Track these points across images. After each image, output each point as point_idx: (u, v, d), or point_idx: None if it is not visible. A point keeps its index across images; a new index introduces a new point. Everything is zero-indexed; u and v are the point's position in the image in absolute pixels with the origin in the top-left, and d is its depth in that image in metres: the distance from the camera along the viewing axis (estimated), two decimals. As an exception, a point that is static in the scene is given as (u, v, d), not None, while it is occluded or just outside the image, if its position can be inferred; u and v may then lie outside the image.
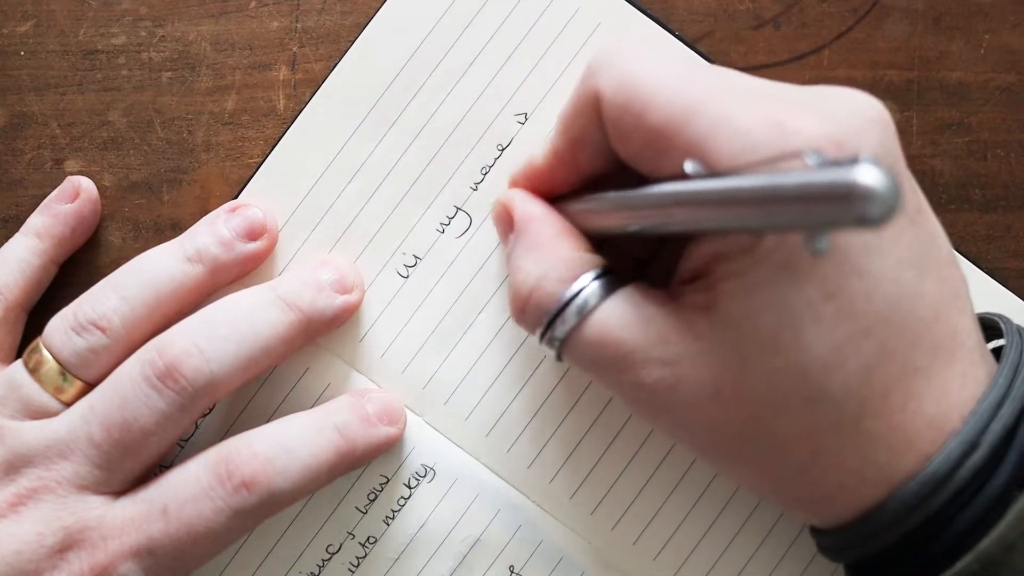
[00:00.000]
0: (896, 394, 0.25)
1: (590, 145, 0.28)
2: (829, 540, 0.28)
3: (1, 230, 0.35)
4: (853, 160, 0.19)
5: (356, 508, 0.34)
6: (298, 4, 0.35)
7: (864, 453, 0.25)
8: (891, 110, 0.35)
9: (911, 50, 0.35)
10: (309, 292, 0.32)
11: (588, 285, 0.27)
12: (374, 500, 0.34)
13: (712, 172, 0.24)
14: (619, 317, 0.27)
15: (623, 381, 0.27)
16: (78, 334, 0.31)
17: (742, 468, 0.27)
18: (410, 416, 0.34)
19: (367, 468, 0.34)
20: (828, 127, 0.24)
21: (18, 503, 0.30)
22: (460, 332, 0.35)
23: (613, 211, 0.28)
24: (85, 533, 0.29)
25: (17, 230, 0.34)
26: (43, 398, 0.31)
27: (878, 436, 0.25)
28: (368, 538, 0.34)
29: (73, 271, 0.35)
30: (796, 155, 0.22)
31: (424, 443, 0.34)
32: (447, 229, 0.35)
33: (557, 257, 0.28)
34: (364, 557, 0.34)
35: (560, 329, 0.28)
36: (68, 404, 0.31)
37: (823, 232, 0.20)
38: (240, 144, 0.35)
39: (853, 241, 0.24)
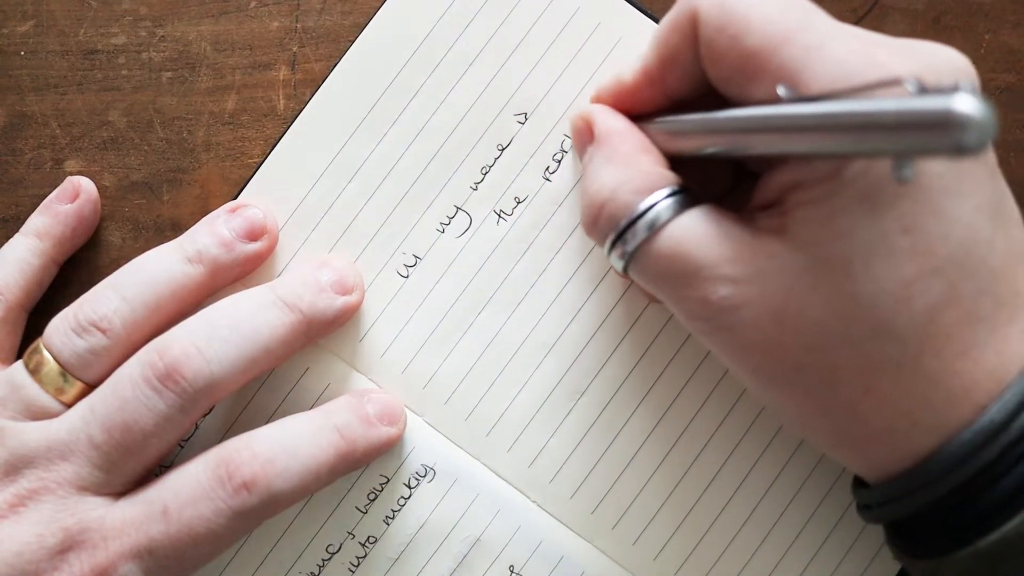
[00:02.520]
0: (958, 338, 0.25)
1: (681, 65, 0.28)
2: (876, 494, 0.27)
3: (1, 230, 0.35)
4: (952, 88, 0.19)
5: (356, 508, 0.34)
6: (298, 4, 0.35)
7: (919, 395, 0.25)
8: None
9: (911, 50, 0.35)
10: (309, 293, 0.32)
11: (663, 199, 0.27)
12: (374, 500, 0.34)
13: (805, 96, 0.24)
14: (692, 233, 0.27)
15: (688, 297, 0.27)
16: (78, 335, 0.31)
17: (792, 399, 0.27)
18: (410, 416, 0.34)
19: (367, 468, 0.34)
20: (917, 66, 0.24)
21: (18, 504, 0.30)
22: (460, 332, 0.35)
23: (698, 132, 0.28)
24: (85, 534, 0.29)
25: (17, 230, 0.34)
26: (43, 399, 0.31)
27: (936, 379, 0.25)
28: (368, 538, 0.34)
29: (73, 271, 0.35)
30: (895, 82, 0.22)
31: (424, 443, 0.34)
32: (447, 229, 0.35)
33: (635, 169, 0.28)
34: (364, 557, 0.34)
35: (631, 241, 0.28)
36: (69, 405, 0.31)
37: (912, 159, 0.21)
38: (240, 144, 0.35)
39: (934, 181, 0.24)
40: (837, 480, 0.34)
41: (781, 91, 0.25)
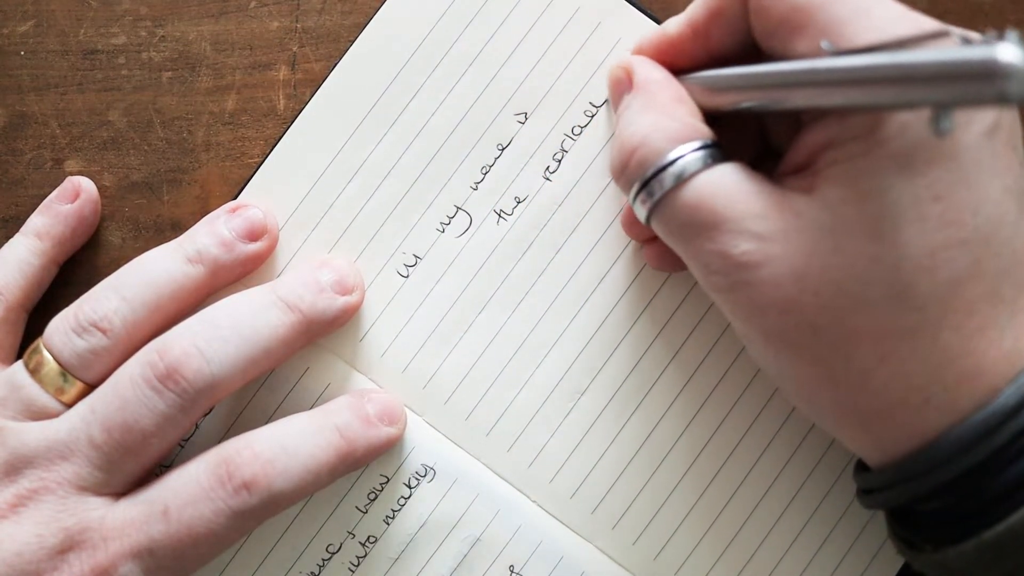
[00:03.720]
0: (979, 315, 0.25)
1: (727, 19, 0.29)
2: (880, 477, 0.27)
3: (1, 230, 0.35)
4: (998, 36, 0.20)
5: (356, 508, 0.34)
6: (298, 4, 0.35)
7: (933, 369, 0.25)
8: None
9: (911, 50, 0.35)
10: (309, 293, 0.32)
11: (695, 151, 0.27)
12: (374, 500, 0.34)
13: (848, 49, 0.24)
14: (719, 186, 0.27)
15: (709, 250, 0.27)
16: (79, 335, 0.31)
17: (802, 365, 0.26)
18: (410, 416, 0.34)
19: (367, 468, 0.34)
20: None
21: (18, 504, 0.30)
22: (460, 332, 0.35)
23: (738, 86, 0.28)
24: (85, 534, 0.29)
25: (17, 230, 0.34)
26: (44, 399, 0.31)
27: (952, 354, 0.25)
28: (368, 538, 0.34)
29: (73, 271, 0.35)
30: (940, 34, 0.22)
31: (424, 443, 0.34)
32: (447, 229, 0.35)
33: (671, 118, 0.29)
34: (364, 557, 0.34)
35: (658, 188, 0.28)
36: (69, 405, 0.31)
37: (952, 111, 0.21)
38: (240, 144, 0.35)
39: (968, 154, 0.25)
40: (837, 481, 0.34)
41: (825, 44, 0.25)
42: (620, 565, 0.34)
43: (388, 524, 0.34)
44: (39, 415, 0.31)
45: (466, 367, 0.35)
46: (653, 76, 0.30)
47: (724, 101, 0.29)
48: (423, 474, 0.34)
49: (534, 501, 0.34)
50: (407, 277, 0.35)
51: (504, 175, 0.35)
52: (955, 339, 0.25)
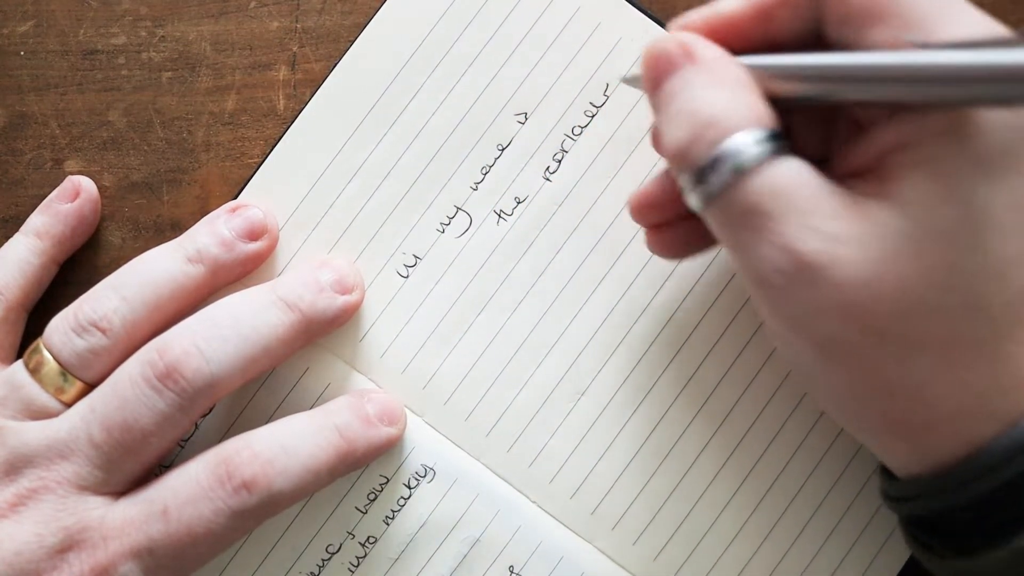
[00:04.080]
0: None
1: (798, 1, 0.27)
2: (917, 485, 0.26)
3: (1, 230, 0.35)
4: None
5: (356, 508, 0.34)
6: (298, 4, 0.35)
7: (996, 378, 0.24)
8: (891, 110, 0.35)
9: (911, 50, 0.35)
10: (309, 293, 0.32)
11: (768, 138, 0.25)
12: (374, 500, 0.34)
13: (940, 43, 0.23)
14: (795, 176, 0.25)
15: (772, 242, 0.25)
16: (78, 335, 0.31)
17: (856, 373, 0.25)
18: (410, 416, 0.34)
19: (367, 468, 0.34)
20: None
21: (18, 503, 0.30)
22: (460, 332, 0.35)
23: (812, 76, 0.26)
24: (85, 534, 0.29)
25: (17, 230, 0.34)
26: (43, 399, 0.31)
27: (1012, 366, 0.24)
28: (368, 538, 0.34)
29: (73, 271, 0.35)
30: None
31: (424, 443, 0.34)
32: (447, 229, 0.35)
33: (744, 98, 0.26)
34: (364, 557, 0.34)
35: (728, 171, 0.25)
36: (68, 405, 0.31)
37: None
38: (240, 144, 0.35)
39: None
40: (837, 481, 0.34)
41: (911, 37, 0.24)
42: (620, 565, 0.34)
43: (388, 524, 0.34)
44: (39, 415, 0.31)
45: (466, 367, 0.34)
46: (717, 53, 0.27)
47: (783, 89, 0.27)
48: (423, 474, 0.34)
49: (534, 502, 0.34)
50: (407, 277, 0.35)
51: (504, 175, 0.35)
52: (1018, 350, 0.24)
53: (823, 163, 0.26)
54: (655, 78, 0.28)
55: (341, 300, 0.33)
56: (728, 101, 0.26)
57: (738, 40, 0.28)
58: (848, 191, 0.25)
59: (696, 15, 0.28)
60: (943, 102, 0.24)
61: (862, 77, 0.25)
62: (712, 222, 0.27)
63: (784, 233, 0.24)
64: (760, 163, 0.25)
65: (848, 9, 0.26)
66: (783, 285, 0.25)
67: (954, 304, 0.24)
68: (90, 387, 0.31)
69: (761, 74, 0.27)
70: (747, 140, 0.25)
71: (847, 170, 0.26)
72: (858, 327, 0.24)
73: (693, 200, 0.26)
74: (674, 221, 0.30)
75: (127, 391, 0.30)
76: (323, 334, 0.33)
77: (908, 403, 0.25)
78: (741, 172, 0.25)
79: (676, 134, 0.26)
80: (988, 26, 0.24)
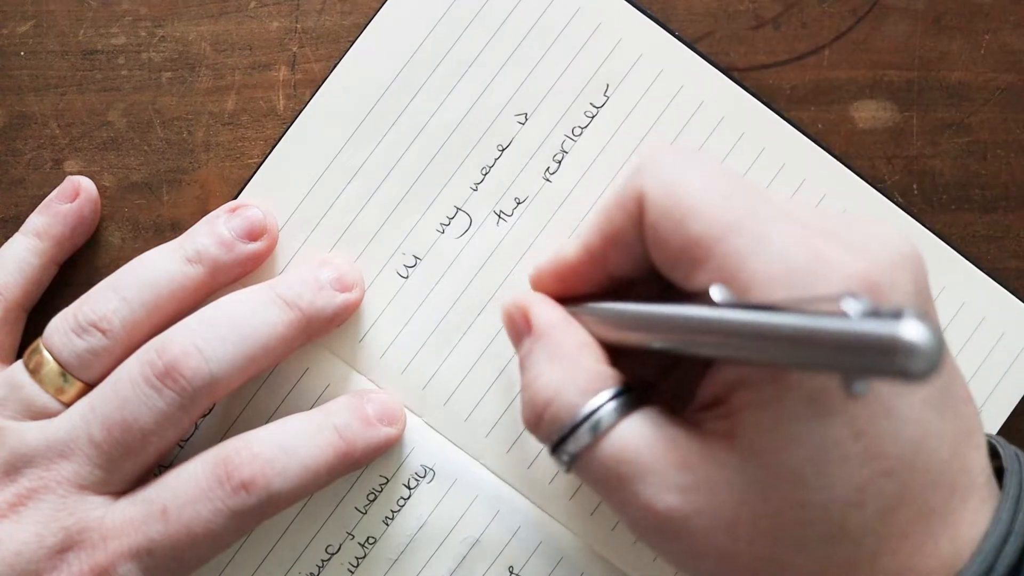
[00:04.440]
0: (913, 535, 0.25)
1: (624, 245, 0.28)
2: None
3: (1, 230, 0.35)
4: (897, 313, 0.19)
5: (356, 508, 0.34)
6: (298, 4, 0.35)
7: None
8: (891, 110, 0.35)
9: (911, 50, 0.35)
10: (309, 291, 0.32)
11: (607, 402, 0.26)
12: (374, 500, 0.34)
13: (745, 303, 0.23)
14: (638, 438, 0.26)
15: (634, 503, 0.26)
16: (78, 335, 0.31)
17: None
18: (410, 416, 0.34)
19: (367, 468, 0.34)
20: (864, 262, 0.24)
21: (18, 503, 0.30)
22: (460, 332, 0.35)
23: (634, 324, 0.27)
24: (85, 534, 0.29)
25: (17, 230, 0.34)
26: (43, 399, 0.31)
27: (894, 574, 0.25)
28: (368, 538, 0.34)
29: (73, 271, 0.35)
30: (834, 298, 0.21)
31: (424, 443, 0.34)
32: (447, 229, 0.35)
33: (579, 368, 0.27)
34: (364, 557, 0.34)
35: (574, 444, 0.27)
36: (68, 405, 0.31)
37: (862, 378, 0.20)
38: (240, 144, 0.35)
39: (883, 382, 0.24)
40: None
41: (717, 295, 0.24)
42: (620, 565, 0.34)
43: (387, 525, 0.34)
44: (39, 415, 0.31)
45: (466, 368, 0.34)
46: (553, 319, 0.29)
47: (625, 338, 0.27)
48: (422, 475, 0.34)
49: (534, 501, 0.34)
50: (407, 278, 0.35)
51: (504, 176, 0.35)
52: (893, 563, 0.25)
53: None
54: (512, 342, 0.31)
55: (341, 298, 0.33)
56: (566, 374, 0.27)
57: (583, 283, 0.30)
58: (697, 432, 0.26)
59: (544, 262, 0.30)
60: (746, 361, 0.24)
61: (670, 331, 0.25)
62: (582, 482, 0.28)
63: (639, 493, 0.25)
64: (605, 429, 0.26)
65: (667, 256, 0.26)
66: (656, 540, 0.26)
67: (813, 537, 0.24)
68: (90, 387, 0.31)
69: (602, 321, 0.28)
70: (590, 409, 0.26)
71: (703, 399, 0.26)
72: (730, 568, 0.25)
73: (560, 467, 0.28)
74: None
75: (127, 391, 0.30)
76: (323, 332, 0.33)
77: None
78: (589, 441, 0.26)
79: (524, 412, 0.28)
80: (807, 248, 0.24)
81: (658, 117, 0.35)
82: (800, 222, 0.25)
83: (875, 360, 0.19)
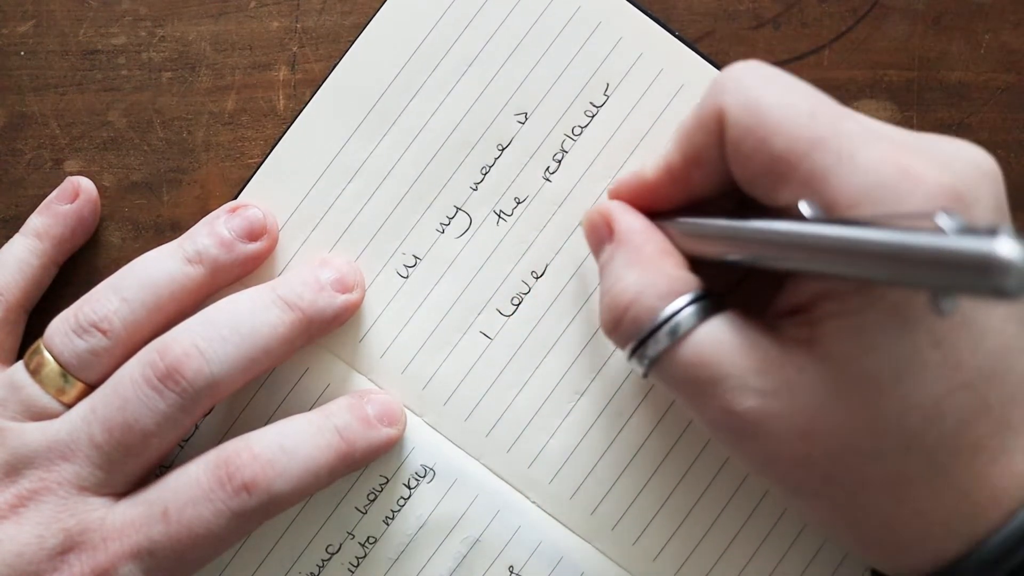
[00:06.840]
0: (989, 449, 0.25)
1: (706, 163, 0.28)
2: None
3: (1, 230, 0.35)
4: (992, 230, 0.19)
5: (356, 508, 0.34)
6: (298, 4, 0.35)
7: (950, 505, 0.25)
8: (891, 110, 0.35)
9: (911, 50, 0.35)
10: (309, 291, 0.32)
11: (688, 305, 0.27)
12: (374, 500, 0.34)
13: (836, 218, 0.23)
14: (717, 341, 0.26)
15: (712, 406, 0.26)
16: (79, 336, 0.31)
17: (820, 507, 0.27)
18: (410, 416, 0.34)
19: (367, 468, 0.34)
20: (948, 177, 0.24)
21: (19, 504, 0.30)
22: (460, 332, 0.35)
23: (720, 238, 0.27)
24: (85, 535, 0.29)
25: (17, 230, 0.34)
26: (44, 400, 0.31)
27: (966, 489, 0.25)
28: (368, 538, 0.34)
29: (73, 271, 0.35)
30: (926, 215, 0.21)
31: (424, 443, 0.34)
32: (447, 229, 0.35)
33: (660, 273, 0.28)
34: (364, 557, 0.34)
35: (653, 348, 0.27)
36: (69, 405, 0.31)
37: (952, 295, 0.20)
38: (240, 144, 0.35)
39: None
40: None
41: (805, 209, 0.24)
42: (620, 565, 0.34)
43: (388, 525, 0.34)
44: (40, 416, 0.31)
45: (466, 368, 0.34)
46: (635, 226, 0.29)
47: (708, 251, 0.28)
48: (423, 475, 0.34)
49: (534, 502, 0.34)
50: (407, 278, 0.35)
51: (504, 175, 0.35)
52: (967, 475, 0.25)
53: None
54: (592, 248, 0.31)
55: (341, 299, 0.33)
56: (646, 278, 0.28)
57: (663, 202, 0.30)
58: (776, 338, 0.26)
59: (623, 181, 0.30)
60: (833, 275, 0.24)
61: (755, 243, 0.25)
62: (659, 385, 0.29)
63: (718, 396, 0.26)
64: (685, 333, 0.26)
65: (749, 173, 0.26)
66: (732, 442, 0.26)
67: (888, 447, 0.25)
68: (91, 388, 0.31)
69: (684, 235, 0.28)
70: (670, 312, 0.27)
71: (782, 308, 0.27)
72: (805, 473, 0.26)
73: (637, 371, 0.28)
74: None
75: (128, 392, 0.30)
76: (324, 333, 0.33)
77: (873, 531, 0.26)
78: (668, 344, 0.27)
79: (603, 316, 0.29)
80: (892, 165, 0.24)
81: (658, 116, 0.35)
82: (885, 138, 0.25)
83: (968, 277, 0.19)
